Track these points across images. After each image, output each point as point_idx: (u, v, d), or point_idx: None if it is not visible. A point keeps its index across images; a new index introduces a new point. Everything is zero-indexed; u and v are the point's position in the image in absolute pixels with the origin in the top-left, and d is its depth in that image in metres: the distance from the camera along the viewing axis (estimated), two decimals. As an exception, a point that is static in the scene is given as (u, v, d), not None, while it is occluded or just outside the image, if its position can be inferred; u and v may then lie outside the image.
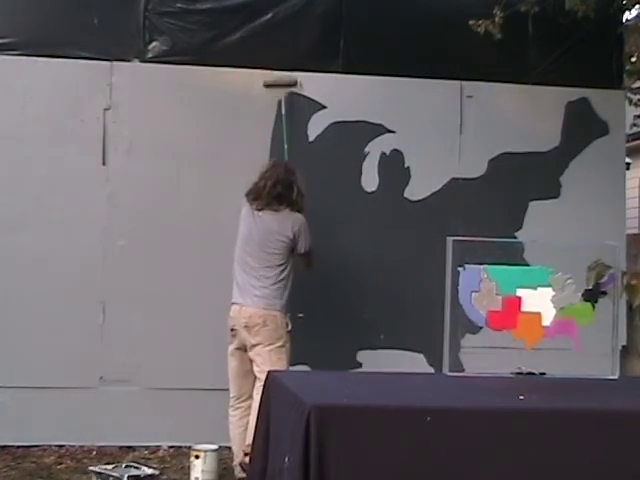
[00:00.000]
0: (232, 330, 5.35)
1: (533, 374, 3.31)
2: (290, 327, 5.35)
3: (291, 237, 5.37)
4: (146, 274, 6.12)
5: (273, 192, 5.42)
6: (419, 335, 6.12)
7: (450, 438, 2.50)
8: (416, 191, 6.46)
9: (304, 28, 6.43)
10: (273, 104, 6.33)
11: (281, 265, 5.36)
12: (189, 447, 5.38)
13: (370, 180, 6.41)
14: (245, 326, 5.28)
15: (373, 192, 6.41)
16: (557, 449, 2.52)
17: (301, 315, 5.74)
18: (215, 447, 5.24)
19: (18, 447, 5.86)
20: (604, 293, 3.31)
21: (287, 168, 5.58)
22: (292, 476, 2.47)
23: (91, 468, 5.27)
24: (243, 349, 5.32)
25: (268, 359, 5.18)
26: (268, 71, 6.29)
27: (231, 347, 5.38)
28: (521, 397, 2.76)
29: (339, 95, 6.43)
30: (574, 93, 6.67)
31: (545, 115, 6.65)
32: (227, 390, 5.51)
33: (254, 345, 5.25)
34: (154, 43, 6.29)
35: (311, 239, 5.47)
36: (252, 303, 5.30)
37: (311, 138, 6.36)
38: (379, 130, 6.41)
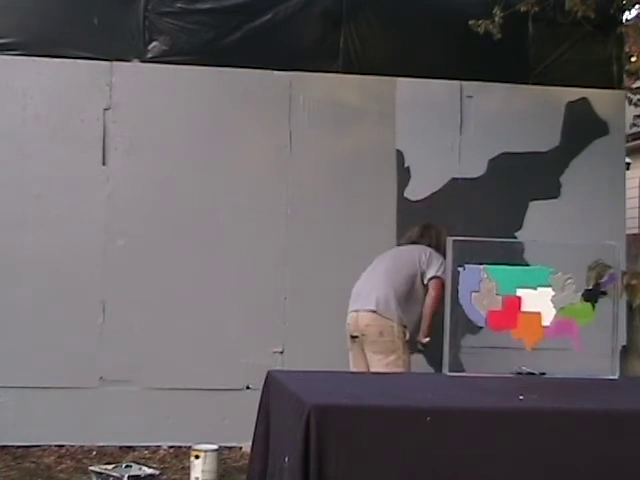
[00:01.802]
0: (352, 337, 5.30)
1: (533, 374, 3.31)
2: (408, 337, 5.24)
3: (419, 262, 5.29)
4: (146, 274, 6.12)
5: (423, 231, 5.47)
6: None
7: (450, 438, 2.49)
8: (416, 191, 6.46)
9: (304, 28, 6.44)
10: (273, 103, 6.33)
11: (408, 281, 5.27)
12: (189, 447, 5.38)
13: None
14: (363, 334, 5.23)
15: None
16: (557, 449, 2.51)
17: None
18: (215, 447, 5.24)
19: (18, 447, 5.87)
20: (604, 293, 3.31)
21: (437, 225, 5.58)
22: (292, 476, 2.47)
23: (91, 468, 5.27)
24: (364, 353, 5.27)
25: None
26: (268, 71, 6.30)
27: (352, 352, 5.32)
28: (521, 397, 2.76)
29: (339, 95, 6.43)
30: (574, 93, 6.67)
31: (545, 115, 6.65)
32: (228, 390, 5.52)
33: (370, 353, 5.21)
34: (154, 43, 6.30)
35: (442, 271, 5.17)
36: (369, 309, 5.21)
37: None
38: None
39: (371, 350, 5.20)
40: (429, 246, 5.39)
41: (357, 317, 5.25)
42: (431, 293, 5.25)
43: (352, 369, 5.25)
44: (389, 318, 5.19)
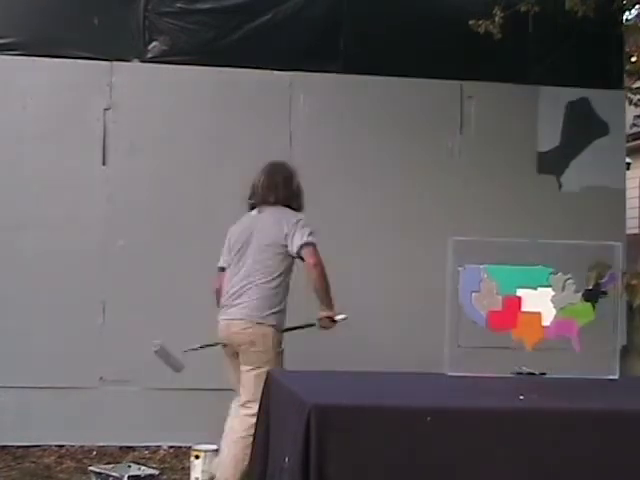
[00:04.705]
0: (224, 345, 4.80)
1: (533, 374, 3.31)
2: (282, 347, 4.70)
3: (284, 235, 4.63)
4: (146, 274, 6.12)
5: (269, 184, 4.79)
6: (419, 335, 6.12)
7: (450, 438, 2.49)
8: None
9: (304, 28, 6.44)
10: (272, 104, 6.33)
11: (275, 272, 4.66)
12: (189, 447, 5.37)
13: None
14: (235, 343, 4.69)
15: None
16: (557, 449, 2.51)
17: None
18: (215, 447, 5.23)
19: (18, 447, 5.87)
20: (604, 293, 3.31)
21: (282, 164, 4.94)
22: (292, 476, 2.47)
23: (91, 468, 5.27)
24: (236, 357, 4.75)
25: (252, 386, 4.41)
26: (268, 71, 6.30)
27: (226, 359, 4.84)
28: (521, 397, 2.76)
29: (339, 95, 6.43)
30: (574, 93, 6.68)
31: (545, 115, 6.65)
32: (228, 390, 5.50)
33: (241, 364, 4.67)
34: (154, 43, 6.30)
35: (313, 238, 4.64)
36: (239, 316, 4.65)
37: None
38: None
39: (242, 360, 4.67)
40: (283, 204, 4.74)
41: (227, 325, 4.72)
42: (310, 261, 4.60)
43: (229, 379, 4.78)
44: (262, 325, 4.63)
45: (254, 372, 4.51)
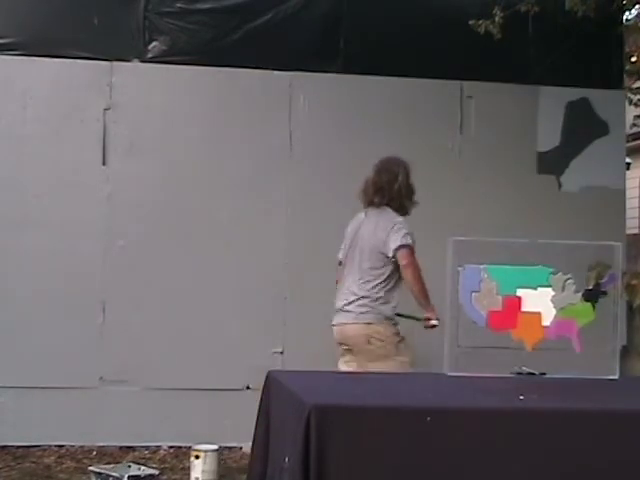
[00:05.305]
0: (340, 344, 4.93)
1: (533, 374, 3.31)
2: (400, 338, 4.82)
3: (382, 242, 4.79)
4: (146, 274, 6.12)
5: (375, 185, 4.91)
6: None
7: (450, 438, 2.49)
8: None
9: (304, 28, 6.44)
10: (273, 103, 6.33)
11: (379, 276, 4.81)
12: (189, 447, 5.38)
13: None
14: (350, 344, 4.84)
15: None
16: (557, 449, 2.51)
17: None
18: (215, 447, 5.24)
19: (18, 447, 5.87)
20: (604, 293, 3.31)
21: (391, 162, 5.01)
22: (292, 476, 2.47)
23: (91, 468, 5.27)
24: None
25: None
26: (268, 71, 6.30)
27: (338, 355, 4.95)
28: (521, 397, 2.75)
29: (339, 95, 6.43)
30: (574, 93, 6.68)
31: (545, 115, 6.65)
32: (227, 390, 5.51)
33: (363, 361, 4.78)
34: (154, 43, 6.30)
35: (407, 240, 4.77)
36: (352, 320, 4.81)
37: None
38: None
39: (364, 359, 4.80)
40: (387, 204, 4.88)
41: (341, 329, 4.92)
42: (402, 263, 4.77)
43: None
44: (375, 324, 4.82)
45: (381, 365, 4.62)
